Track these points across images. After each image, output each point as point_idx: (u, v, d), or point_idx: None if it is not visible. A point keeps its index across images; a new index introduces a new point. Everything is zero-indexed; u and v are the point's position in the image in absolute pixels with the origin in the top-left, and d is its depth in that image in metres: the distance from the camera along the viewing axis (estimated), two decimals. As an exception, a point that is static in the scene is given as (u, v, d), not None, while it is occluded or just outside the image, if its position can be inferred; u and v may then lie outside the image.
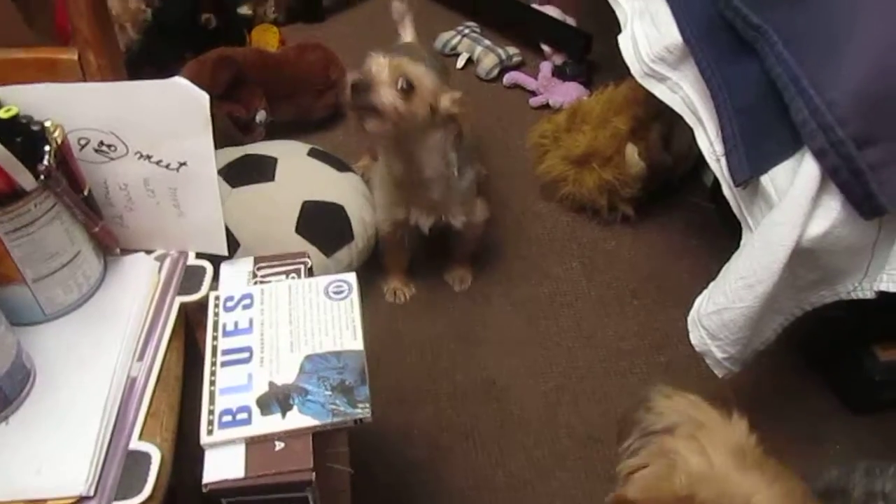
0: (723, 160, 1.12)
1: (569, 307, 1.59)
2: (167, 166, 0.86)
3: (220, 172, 1.43)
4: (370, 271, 1.59)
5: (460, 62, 2.20)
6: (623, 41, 1.34)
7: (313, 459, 0.76)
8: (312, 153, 1.58)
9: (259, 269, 0.94)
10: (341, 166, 1.58)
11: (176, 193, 0.89)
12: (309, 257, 0.96)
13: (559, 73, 2.13)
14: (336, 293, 0.89)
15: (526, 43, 2.24)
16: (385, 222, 1.48)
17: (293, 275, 0.93)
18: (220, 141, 1.62)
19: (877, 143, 0.89)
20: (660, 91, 1.29)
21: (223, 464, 0.75)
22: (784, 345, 1.43)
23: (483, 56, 2.16)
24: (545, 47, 2.19)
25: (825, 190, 0.94)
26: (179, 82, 0.81)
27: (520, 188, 1.84)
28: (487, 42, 2.19)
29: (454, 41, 2.23)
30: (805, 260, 0.98)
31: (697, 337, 1.10)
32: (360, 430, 0.79)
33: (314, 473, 0.74)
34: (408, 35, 1.72)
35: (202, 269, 0.92)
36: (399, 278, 1.59)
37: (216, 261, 0.95)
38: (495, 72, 2.15)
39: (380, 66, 1.25)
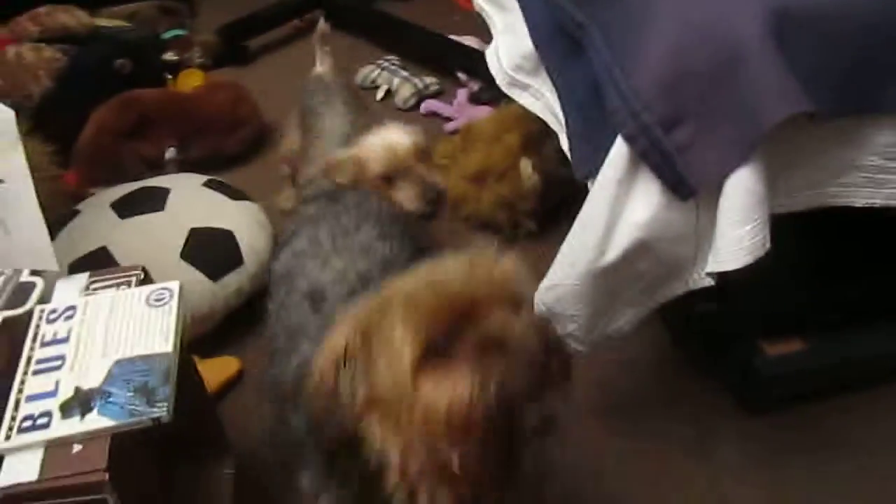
0: (573, 157, 1.14)
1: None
2: (-16, 185, 0.88)
3: (111, 205, 1.49)
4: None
5: (379, 94, 2.24)
6: (489, 54, 1.38)
7: (120, 461, 0.76)
8: (209, 184, 1.60)
9: (92, 283, 0.95)
10: (238, 195, 1.59)
11: (-1, 213, 0.91)
12: (144, 271, 0.97)
13: (475, 99, 2.16)
14: (157, 301, 0.90)
15: (444, 73, 2.29)
16: None
17: (123, 286, 0.95)
18: (130, 178, 1.66)
19: (681, 125, 0.90)
20: (524, 99, 1.32)
21: (19, 469, 0.75)
22: (670, 344, 1.44)
23: (400, 87, 2.20)
24: (461, 75, 2.23)
25: (643, 176, 0.95)
26: (-19, 101, 0.84)
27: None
28: (405, 73, 2.23)
29: (373, 74, 2.27)
30: (640, 251, 0.99)
31: (539, 312, 1.11)
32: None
33: (107, 474, 0.74)
34: (324, 64, 1.76)
35: (32, 285, 0.93)
36: None
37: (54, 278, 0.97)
38: (412, 101, 2.19)
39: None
